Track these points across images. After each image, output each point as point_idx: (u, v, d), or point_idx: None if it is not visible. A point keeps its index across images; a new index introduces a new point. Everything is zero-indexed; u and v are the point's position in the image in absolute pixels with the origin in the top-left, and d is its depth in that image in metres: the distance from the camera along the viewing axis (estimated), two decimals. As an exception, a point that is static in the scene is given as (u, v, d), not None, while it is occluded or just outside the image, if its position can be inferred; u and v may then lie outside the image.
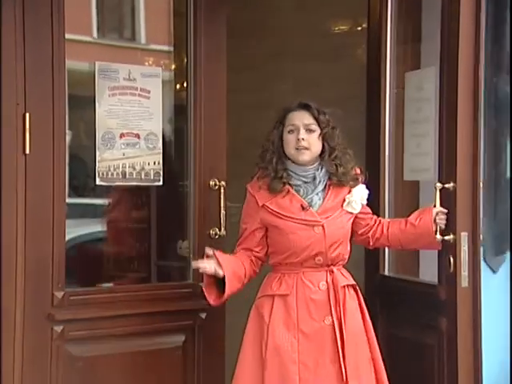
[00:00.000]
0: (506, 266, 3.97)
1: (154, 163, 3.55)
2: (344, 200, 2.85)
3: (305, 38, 4.75)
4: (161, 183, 3.59)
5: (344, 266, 2.93)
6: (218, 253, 2.82)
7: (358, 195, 2.85)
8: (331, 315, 2.75)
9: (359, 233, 3.00)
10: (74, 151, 3.74)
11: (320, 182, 2.83)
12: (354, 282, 2.90)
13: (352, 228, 2.94)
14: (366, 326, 2.90)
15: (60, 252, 3.19)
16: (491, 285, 3.78)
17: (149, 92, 3.55)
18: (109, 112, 3.44)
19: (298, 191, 2.83)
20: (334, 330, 2.74)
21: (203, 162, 3.59)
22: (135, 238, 4.19)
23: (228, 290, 2.76)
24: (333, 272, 2.81)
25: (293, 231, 2.76)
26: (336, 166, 2.82)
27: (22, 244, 3.07)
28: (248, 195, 2.92)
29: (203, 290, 2.87)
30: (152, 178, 3.56)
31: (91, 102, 3.42)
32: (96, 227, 4.15)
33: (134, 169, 3.52)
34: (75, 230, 3.79)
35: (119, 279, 3.91)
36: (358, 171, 2.93)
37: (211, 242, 3.50)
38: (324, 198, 2.84)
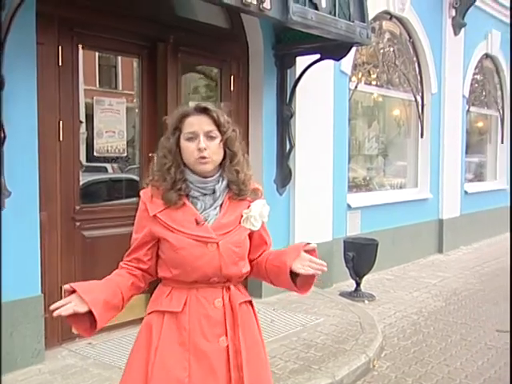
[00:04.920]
0: (286, 193, 4.83)
1: (122, 145, 3.96)
2: (241, 216, 1.82)
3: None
4: (125, 154, 4.05)
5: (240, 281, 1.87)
6: (79, 286, 1.70)
7: (257, 210, 1.82)
8: (226, 336, 1.76)
9: (250, 258, 1.90)
10: (85, 140, 3.86)
11: (219, 195, 1.81)
12: (250, 298, 1.89)
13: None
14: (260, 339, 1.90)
15: (77, 188, 3.61)
16: (279, 201, 4.85)
17: (119, 111, 3.91)
18: (100, 120, 3.83)
19: (195, 204, 1.79)
20: (229, 353, 1.76)
21: (145, 144, 4.05)
22: (115, 181, 4.35)
23: (100, 323, 1.70)
24: (229, 289, 1.81)
25: (184, 247, 1.74)
26: (237, 171, 1.81)
27: (59, 184, 3.47)
28: (140, 203, 1.84)
29: (69, 325, 1.74)
30: (121, 152, 3.98)
31: (92, 116, 3.79)
32: (96, 176, 4.16)
33: (112, 147, 3.90)
34: (85, 177, 3.86)
35: (107, 201, 4.16)
36: (257, 185, 1.89)
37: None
38: (220, 213, 1.80)
